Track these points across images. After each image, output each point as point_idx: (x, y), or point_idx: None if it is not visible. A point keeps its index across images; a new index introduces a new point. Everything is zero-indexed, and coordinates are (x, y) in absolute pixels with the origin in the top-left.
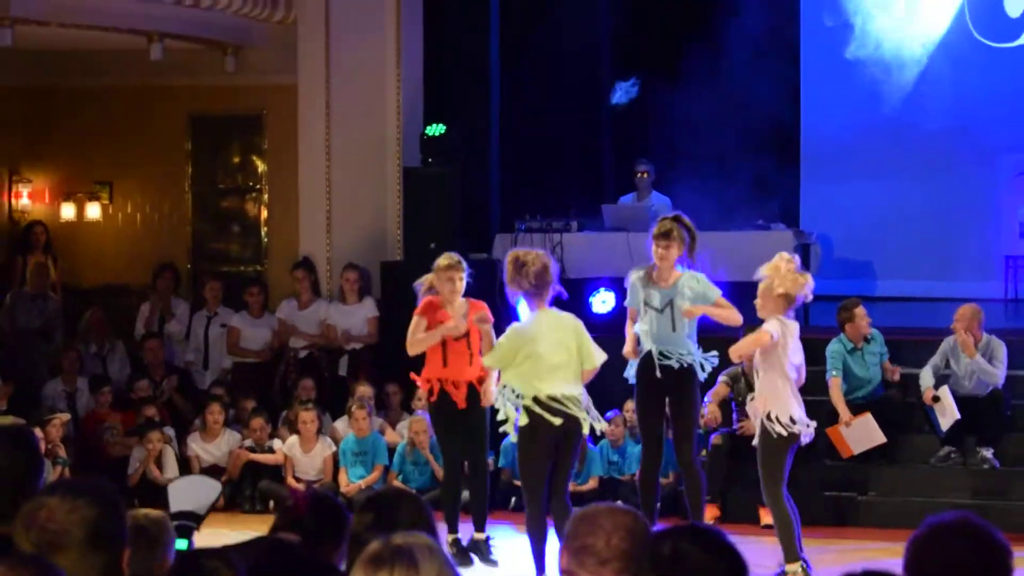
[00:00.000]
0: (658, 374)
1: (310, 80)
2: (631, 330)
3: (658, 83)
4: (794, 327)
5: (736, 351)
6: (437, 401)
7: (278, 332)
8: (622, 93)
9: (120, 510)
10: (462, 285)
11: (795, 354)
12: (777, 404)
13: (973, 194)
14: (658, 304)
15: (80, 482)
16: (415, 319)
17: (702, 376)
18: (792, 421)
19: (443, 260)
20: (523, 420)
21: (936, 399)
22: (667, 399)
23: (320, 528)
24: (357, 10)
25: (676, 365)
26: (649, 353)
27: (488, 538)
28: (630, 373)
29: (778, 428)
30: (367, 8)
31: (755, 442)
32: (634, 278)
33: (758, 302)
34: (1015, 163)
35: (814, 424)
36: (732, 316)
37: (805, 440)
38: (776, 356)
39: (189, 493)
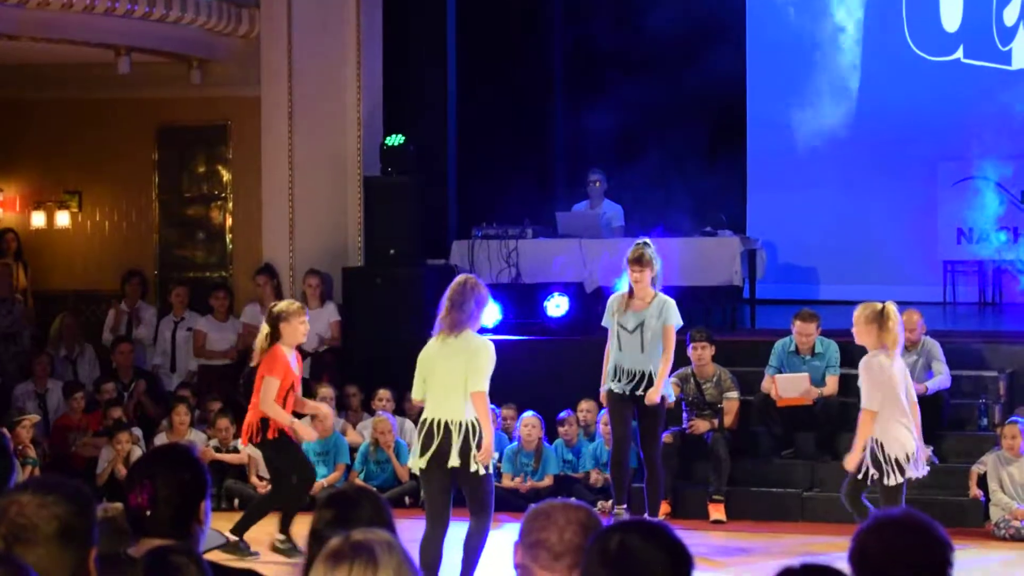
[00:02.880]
0: (626, 392)
1: (273, 92)
2: (609, 357)
3: (609, 93)
4: (887, 363)
5: (853, 461)
6: (280, 438)
7: (242, 335)
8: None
9: (91, 508)
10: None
11: (900, 385)
12: (893, 444)
13: (913, 202)
14: (631, 326)
15: (52, 480)
16: (269, 379)
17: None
18: (907, 458)
19: (294, 305)
20: None
21: None
22: (636, 407)
23: (179, 504)
24: (319, 24)
25: (641, 392)
26: (621, 370)
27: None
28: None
29: (894, 477)
30: (329, 22)
31: (872, 479)
32: (612, 300)
33: (853, 329)
34: (953, 172)
35: (928, 453)
36: (665, 370)
37: (917, 474)
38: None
39: None
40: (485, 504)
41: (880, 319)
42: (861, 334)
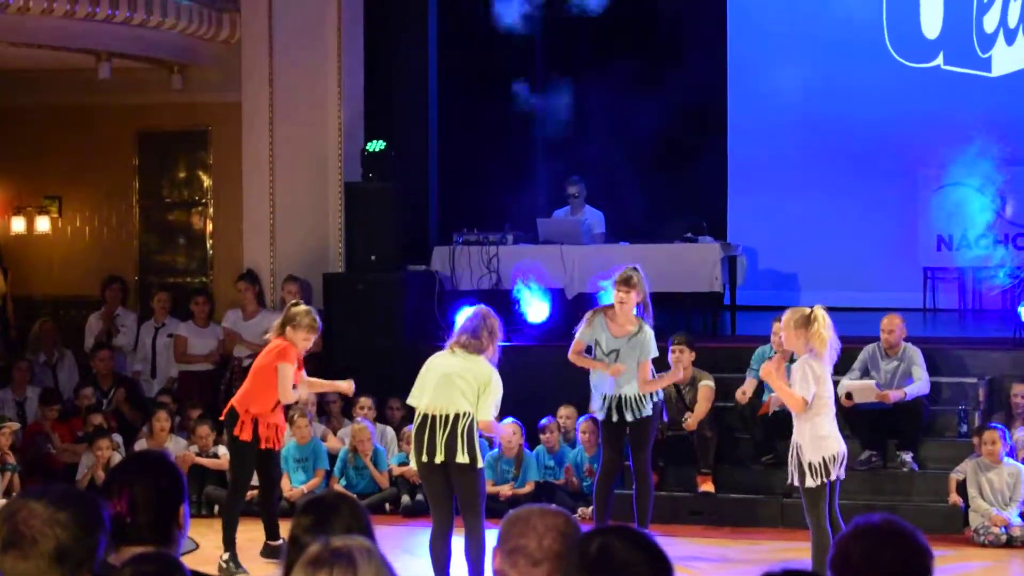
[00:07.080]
0: (614, 418)
1: (254, 97)
2: (582, 355)
3: (590, 99)
4: (818, 365)
5: (775, 402)
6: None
7: (223, 341)
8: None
9: (96, 535)
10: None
11: (828, 390)
12: (814, 449)
13: (893, 208)
14: (606, 349)
15: (74, 496)
16: (284, 365)
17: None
18: (830, 460)
19: (308, 318)
20: None
21: (849, 396)
22: (626, 426)
23: (158, 510)
24: (300, 30)
25: (630, 417)
26: (602, 398)
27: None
28: (595, 407)
29: (810, 480)
30: (309, 28)
31: (795, 481)
32: (591, 314)
33: (783, 334)
34: (933, 179)
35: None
36: (660, 383)
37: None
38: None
39: None
40: (474, 500)
41: (807, 323)
42: (790, 339)
